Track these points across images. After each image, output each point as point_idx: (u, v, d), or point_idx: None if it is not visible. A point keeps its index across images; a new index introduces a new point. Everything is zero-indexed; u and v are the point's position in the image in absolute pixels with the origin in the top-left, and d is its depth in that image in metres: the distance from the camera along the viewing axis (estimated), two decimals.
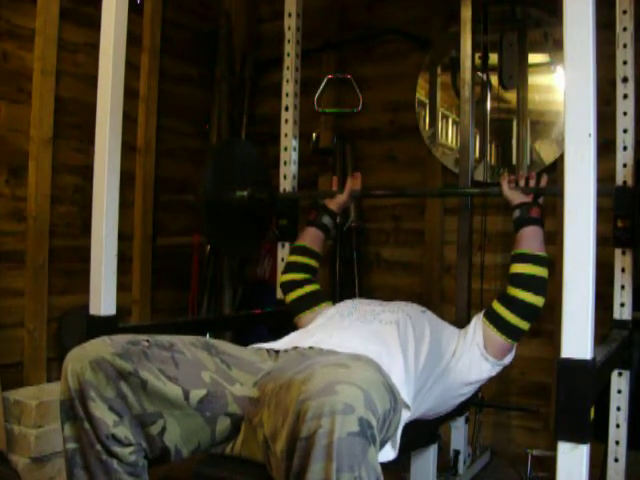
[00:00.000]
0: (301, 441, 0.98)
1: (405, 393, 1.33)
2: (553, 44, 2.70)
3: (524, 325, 1.61)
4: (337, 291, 2.98)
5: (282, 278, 2.01)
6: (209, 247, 3.23)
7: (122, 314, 1.86)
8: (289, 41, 2.44)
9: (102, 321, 1.65)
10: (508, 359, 1.67)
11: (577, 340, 1.09)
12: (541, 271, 1.62)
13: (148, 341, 1.27)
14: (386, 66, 3.11)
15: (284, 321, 2.02)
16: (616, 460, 1.86)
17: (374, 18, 3.15)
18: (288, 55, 2.44)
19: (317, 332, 1.55)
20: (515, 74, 2.72)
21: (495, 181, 2.69)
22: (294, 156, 2.45)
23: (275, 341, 1.56)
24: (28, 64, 2.56)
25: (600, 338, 1.58)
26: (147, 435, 1.22)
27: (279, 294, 2.41)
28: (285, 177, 2.44)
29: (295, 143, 2.45)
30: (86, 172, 2.15)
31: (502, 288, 1.70)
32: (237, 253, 2.89)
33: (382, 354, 1.40)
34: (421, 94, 3.01)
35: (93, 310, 1.65)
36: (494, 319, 1.63)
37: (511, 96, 2.78)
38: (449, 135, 2.98)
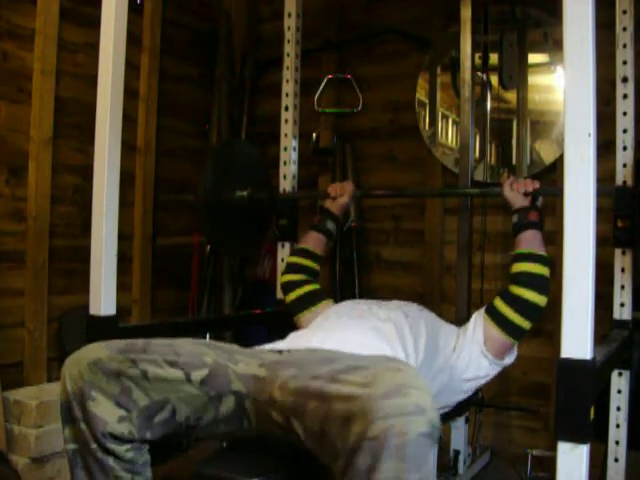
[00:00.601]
0: (370, 440, 0.99)
1: None
2: (553, 44, 2.70)
3: (526, 325, 1.61)
4: (337, 291, 2.98)
5: (282, 279, 2.02)
6: (209, 247, 3.23)
7: (122, 314, 1.86)
8: (289, 41, 2.44)
9: (102, 321, 1.65)
10: (508, 360, 1.67)
11: (577, 340, 1.09)
12: (544, 270, 1.62)
13: (145, 343, 1.28)
14: (386, 66, 3.11)
15: (284, 321, 2.02)
16: (616, 460, 1.85)
17: (373, 18, 3.15)
18: (288, 55, 2.44)
19: (317, 332, 1.55)
20: (515, 74, 2.72)
21: (495, 181, 2.70)
22: (294, 156, 2.45)
23: (274, 342, 1.56)
24: (28, 64, 2.56)
25: (600, 338, 1.58)
26: (157, 423, 1.23)
27: (279, 294, 2.40)
28: (285, 177, 2.44)
29: (295, 143, 2.45)
30: (86, 172, 2.14)
31: (504, 286, 1.69)
32: (237, 253, 2.89)
33: (385, 351, 1.40)
34: (421, 94, 3.01)
35: (93, 310, 1.65)
36: (496, 317, 1.62)
37: (511, 96, 2.79)
38: (449, 135, 2.98)
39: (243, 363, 1.30)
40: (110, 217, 1.66)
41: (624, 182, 1.87)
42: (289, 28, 2.43)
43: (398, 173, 3.07)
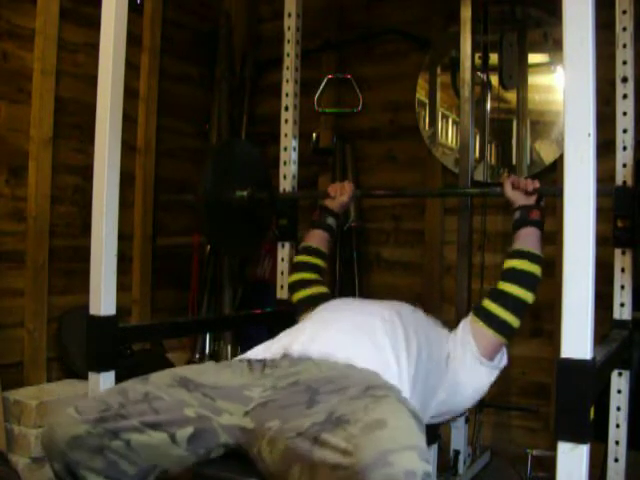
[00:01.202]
0: None
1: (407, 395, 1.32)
2: (553, 44, 2.70)
3: (512, 320, 1.58)
4: (337, 291, 2.98)
5: (290, 278, 2.01)
6: (209, 247, 3.22)
7: (122, 314, 1.86)
8: (289, 41, 2.44)
9: (102, 321, 1.65)
10: (501, 361, 1.63)
11: (577, 340, 1.09)
12: (533, 268, 1.60)
13: (120, 403, 1.23)
14: (386, 66, 3.11)
15: (284, 321, 2.01)
16: (616, 460, 1.85)
17: (373, 18, 3.15)
18: (288, 55, 2.44)
19: (306, 331, 1.52)
20: (515, 74, 2.72)
21: (495, 181, 2.70)
22: (294, 156, 2.45)
23: (263, 342, 1.54)
24: (28, 64, 2.56)
25: (600, 338, 1.58)
26: None
27: (279, 294, 2.41)
28: (285, 177, 2.44)
29: (295, 143, 2.45)
30: (86, 172, 2.14)
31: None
32: (237, 253, 2.89)
33: (374, 358, 1.38)
34: (421, 94, 3.01)
35: (93, 310, 1.65)
36: (482, 313, 1.60)
37: (511, 96, 2.78)
38: (449, 135, 2.98)
39: (227, 413, 1.26)
40: (110, 217, 1.65)
41: (624, 182, 1.87)
42: (289, 28, 2.43)
43: (398, 173, 3.07)
